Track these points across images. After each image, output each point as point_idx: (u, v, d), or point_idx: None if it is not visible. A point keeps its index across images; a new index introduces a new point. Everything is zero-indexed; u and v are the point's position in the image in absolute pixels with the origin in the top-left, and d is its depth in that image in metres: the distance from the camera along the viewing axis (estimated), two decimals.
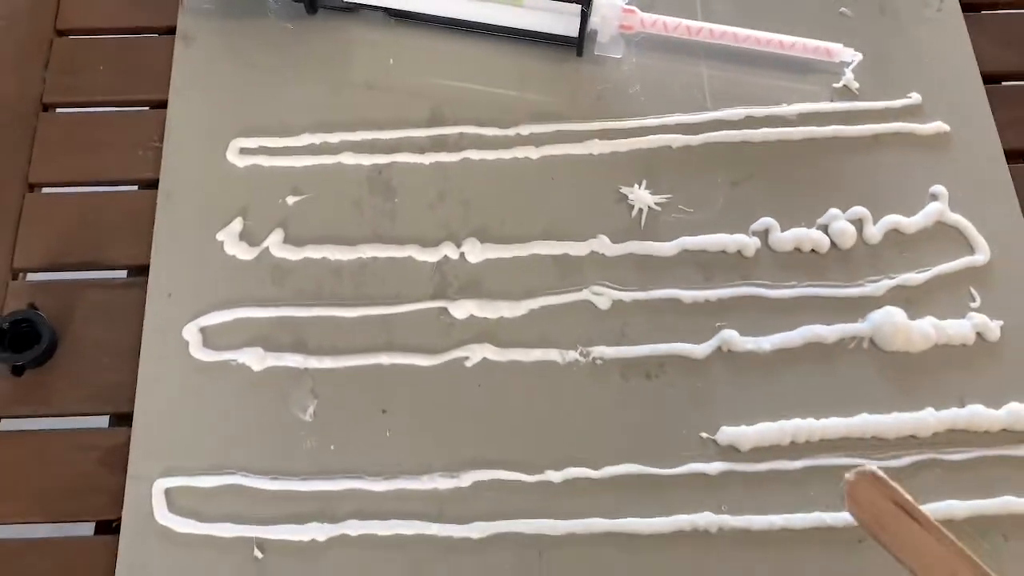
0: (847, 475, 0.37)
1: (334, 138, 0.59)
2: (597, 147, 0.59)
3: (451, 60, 0.62)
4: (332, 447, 0.51)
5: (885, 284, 0.55)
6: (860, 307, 0.54)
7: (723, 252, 0.56)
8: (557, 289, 0.55)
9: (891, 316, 0.53)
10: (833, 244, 0.56)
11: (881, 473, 0.36)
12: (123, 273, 0.57)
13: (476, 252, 0.56)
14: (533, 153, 0.59)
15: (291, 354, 0.53)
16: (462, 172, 0.58)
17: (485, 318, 0.54)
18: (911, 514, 0.35)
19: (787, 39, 0.59)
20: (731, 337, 0.53)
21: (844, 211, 0.56)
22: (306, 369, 0.53)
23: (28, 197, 0.58)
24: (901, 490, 0.36)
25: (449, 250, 0.56)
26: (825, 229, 0.56)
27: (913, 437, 0.51)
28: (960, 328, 0.53)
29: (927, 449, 0.51)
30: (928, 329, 0.53)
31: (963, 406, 0.52)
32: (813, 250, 0.56)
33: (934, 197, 0.57)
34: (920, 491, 0.39)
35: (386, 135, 0.59)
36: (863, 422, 0.51)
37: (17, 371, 0.52)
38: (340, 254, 0.56)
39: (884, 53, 0.61)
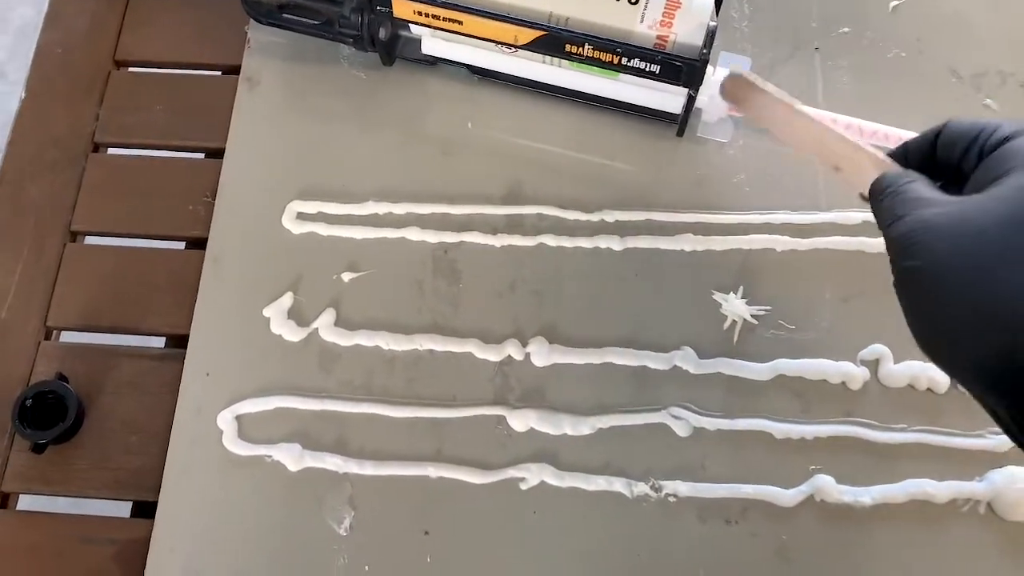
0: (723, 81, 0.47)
1: (400, 209, 0.53)
2: (690, 243, 0.52)
3: (535, 125, 0.56)
4: (367, 567, 0.46)
5: None
6: (979, 463, 0.47)
7: (825, 381, 0.49)
8: (631, 407, 0.49)
9: (1015, 479, 0.46)
10: (953, 384, 0.49)
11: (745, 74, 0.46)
12: (161, 341, 0.53)
13: (543, 354, 0.50)
14: (617, 244, 0.52)
15: (331, 455, 0.48)
16: (536, 259, 0.52)
17: (547, 433, 0.48)
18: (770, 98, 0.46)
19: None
20: (826, 485, 0.47)
21: None
22: (346, 474, 0.48)
23: (69, 247, 0.54)
24: (761, 83, 0.46)
25: (514, 349, 0.50)
26: None
27: None
28: None
29: None
30: None
31: None
32: (929, 389, 0.49)
33: None
34: None
35: (457, 210, 0.53)
36: None
37: (38, 449, 0.48)
38: (394, 343, 0.50)
39: None
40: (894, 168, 0.39)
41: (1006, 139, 0.35)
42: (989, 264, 0.31)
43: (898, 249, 0.34)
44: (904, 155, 0.40)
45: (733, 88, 0.45)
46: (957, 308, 0.32)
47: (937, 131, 0.38)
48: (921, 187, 0.36)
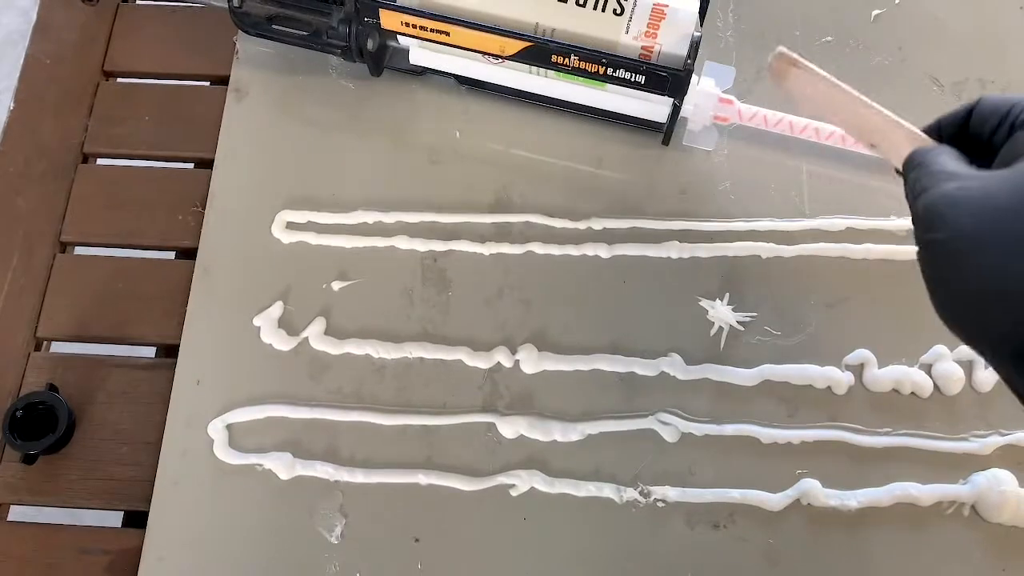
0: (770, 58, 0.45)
1: (389, 218, 0.54)
2: (676, 250, 0.53)
3: (522, 135, 0.56)
4: (358, 575, 0.46)
5: (994, 441, 0.48)
6: (963, 466, 0.48)
7: (810, 386, 0.50)
8: (619, 413, 0.49)
9: (998, 481, 0.47)
10: (937, 388, 0.49)
11: (787, 52, 0.45)
12: (151, 350, 0.53)
13: (532, 361, 0.50)
14: (604, 251, 0.53)
15: (322, 463, 0.48)
16: (525, 267, 0.53)
17: (536, 440, 0.49)
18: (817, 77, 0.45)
19: None
20: (812, 488, 0.47)
21: (952, 349, 0.50)
22: (336, 482, 0.48)
23: (58, 258, 0.54)
24: (804, 60, 0.45)
25: (503, 356, 0.51)
26: (928, 369, 0.50)
27: None
28: None
29: None
30: None
31: None
32: (913, 393, 0.49)
33: None
34: None
35: (445, 218, 0.54)
36: None
37: (29, 460, 0.48)
38: (384, 351, 0.51)
39: None
40: (927, 143, 0.39)
41: None
42: (1012, 238, 0.31)
43: (922, 221, 0.34)
44: (938, 129, 0.40)
45: (779, 64, 0.46)
46: (979, 282, 0.32)
47: (971, 107, 0.39)
48: (948, 160, 0.36)
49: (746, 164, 0.55)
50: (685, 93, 0.50)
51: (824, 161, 0.54)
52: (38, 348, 0.52)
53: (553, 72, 0.51)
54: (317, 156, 0.56)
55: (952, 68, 0.57)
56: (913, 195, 0.36)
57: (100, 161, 0.58)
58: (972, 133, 0.38)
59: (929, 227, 0.34)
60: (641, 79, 0.49)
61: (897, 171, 0.40)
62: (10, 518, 0.49)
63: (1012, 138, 0.36)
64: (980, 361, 0.49)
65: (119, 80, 0.59)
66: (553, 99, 0.55)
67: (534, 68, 0.52)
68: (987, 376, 0.49)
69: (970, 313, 0.33)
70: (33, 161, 0.56)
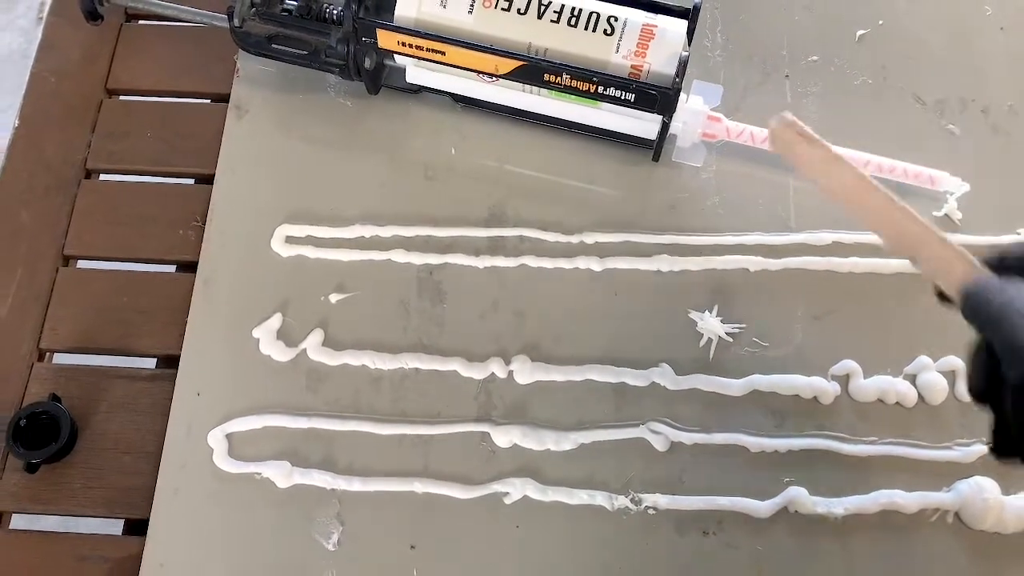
0: (770, 122, 0.42)
1: (386, 232, 0.55)
2: (666, 263, 0.54)
3: (516, 152, 0.57)
4: None
5: (977, 450, 0.49)
6: (947, 474, 0.49)
7: (797, 396, 0.51)
8: (611, 422, 0.50)
9: (982, 489, 0.48)
10: (921, 398, 0.51)
11: (793, 118, 0.42)
12: (152, 362, 0.54)
13: (526, 372, 0.51)
14: (596, 264, 0.54)
15: (319, 472, 0.49)
16: (518, 280, 0.54)
17: (530, 449, 0.50)
18: (815, 144, 0.42)
19: (887, 163, 0.54)
20: (799, 496, 0.48)
21: (935, 361, 0.51)
22: (334, 490, 0.49)
23: (62, 271, 0.55)
24: (807, 128, 0.42)
25: (497, 367, 0.52)
26: (913, 380, 0.51)
27: None
28: None
29: None
30: None
31: None
32: (898, 403, 0.51)
33: None
34: None
35: (441, 232, 0.55)
36: None
37: (31, 468, 0.49)
38: (381, 362, 0.52)
39: (993, 179, 0.56)
40: (984, 270, 0.37)
41: None
42: None
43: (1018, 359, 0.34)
44: (999, 261, 0.38)
45: (782, 133, 0.41)
46: None
47: None
48: None
49: (734, 180, 0.56)
50: (674, 111, 0.51)
51: None
52: (41, 359, 0.53)
53: (546, 90, 0.53)
54: (316, 172, 0.57)
55: (934, 86, 0.59)
56: (998, 331, 0.35)
57: (103, 177, 0.59)
58: None
59: None
60: (631, 97, 0.51)
61: (939, 293, 0.39)
62: (12, 526, 0.50)
63: None
64: (963, 371, 0.51)
65: (121, 98, 0.61)
66: (546, 117, 0.56)
67: (528, 87, 0.53)
68: None
69: None
70: (37, 176, 0.57)
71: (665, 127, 0.52)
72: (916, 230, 0.39)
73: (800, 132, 0.41)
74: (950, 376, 0.51)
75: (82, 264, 0.56)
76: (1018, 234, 0.54)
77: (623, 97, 0.51)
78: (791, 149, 0.42)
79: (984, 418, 0.49)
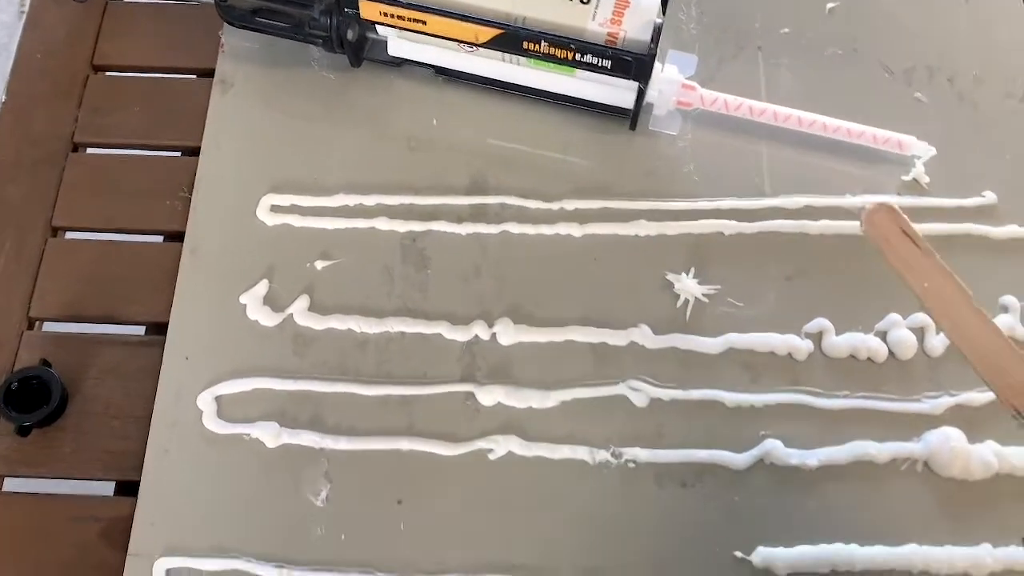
0: (867, 205, 0.41)
1: (370, 200, 0.56)
2: (644, 228, 0.55)
3: (497, 123, 0.59)
4: (343, 536, 0.48)
5: (945, 402, 0.51)
6: (916, 425, 0.51)
7: (772, 354, 0.52)
8: (592, 381, 0.52)
9: (949, 439, 0.50)
10: (891, 353, 0.52)
11: (896, 206, 0.40)
12: (141, 329, 0.55)
13: (509, 334, 0.53)
14: (576, 230, 0.55)
15: (307, 432, 0.50)
16: (500, 246, 0.55)
17: (513, 407, 0.51)
18: (914, 241, 0.40)
19: (856, 127, 0.56)
20: (775, 448, 0.50)
21: (905, 318, 0.53)
22: (322, 449, 0.50)
23: (50, 242, 0.56)
24: (909, 221, 0.40)
25: (480, 329, 0.53)
26: (883, 336, 0.53)
27: (967, 575, 0.47)
28: None
29: None
30: (989, 456, 0.49)
31: None
32: (869, 358, 0.52)
33: (1005, 309, 0.53)
34: None
35: (424, 200, 0.56)
36: (911, 553, 0.48)
37: (23, 431, 0.50)
38: (366, 326, 0.53)
39: (959, 145, 0.58)
40: None
41: None
42: None
43: None
44: None
45: (879, 222, 0.40)
46: None
47: None
48: None
49: (709, 147, 0.58)
50: (649, 77, 0.53)
51: (783, 143, 0.57)
52: (31, 328, 0.54)
53: (525, 59, 0.54)
54: (300, 143, 0.58)
55: (902, 56, 0.61)
56: None
57: (90, 151, 0.60)
58: None
59: None
60: (607, 64, 0.52)
61: (1017, 413, 0.39)
62: (4, 489, 0.51)
63: None
64: (932, 327, 0.52)
65: (107, 74, 0.62)
66: (526, 88, 0.58)
67: (507, 56, 0.55)
68: (938, 342, 0.52)
69: None
70: (24, 151, 0.58)
71: (641, 94, 0.54)
72: (1005, 353, 0.39)
73: (902, 225, 0.40)
74: (919, 333, 0.52)
75: (70, 236, 0.57)
76: (983, 196, 0.56)
77: (600, 64, 0.52)
78: (886, 239, 0.41)
79: (951, 370, 0.52)
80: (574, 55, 0.52)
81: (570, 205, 0.56)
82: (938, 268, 0.40)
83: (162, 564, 0.47)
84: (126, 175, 0.58)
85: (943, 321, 0.40)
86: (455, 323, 0.53)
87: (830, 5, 0.62)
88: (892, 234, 0.41)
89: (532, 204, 0.56)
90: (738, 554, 0.48)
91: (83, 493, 0.50)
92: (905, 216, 0.39)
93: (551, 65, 0.54)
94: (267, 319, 0.53)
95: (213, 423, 0.51)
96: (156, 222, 0.56)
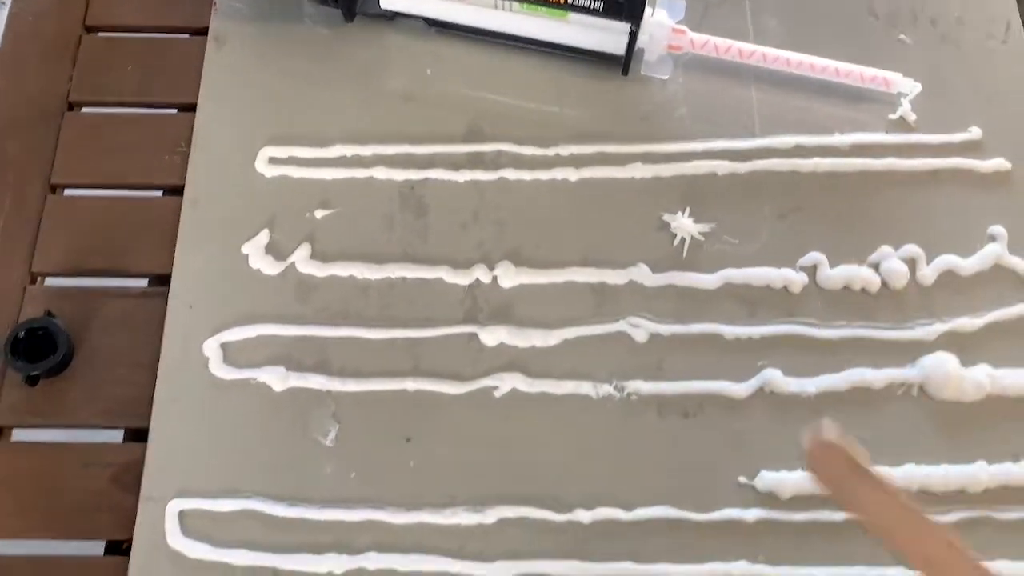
0: (807, 436, 0.36)
1: (367, 151, 0.57)
2: (639, 171, 0.56)
3: (491, 73, 0.59)
4: (353, 475, 0.49)
5: (937, 328, 0.52)
6: (910, 351, 0.52)
7: (768, 287, 0.53)
8: (592, 319, 0.53)
9: (943, 363, 0.51)
10: (884, 284, 0.53)
11: (838, 439, 0.35)
12: (144, 281, 0.55)
13: (509, 276, 0.53)
14: (572, 175, 0.56)
15: (314, 375, 0.51)
16: (498, 191, 0.56)
17: (516, 346, 0.52)
18: (868, 480, 0.34)
19: (843, 67, 0.57)
20: (774, 378, 0.51)
21: (896, 249, 0.54)
22: (329, 392, 0.51)
23: (50, 199, 0.56)
24: (858, 457, 0.35)
25: (481, 273, 0.54)
26: (876, 267, 0.54)
27: (963, 492, 0.49)
28: (1016, 379, 0.51)
29: (977, 506, 0.48)
30: (982, 378, 0.50)
31: (1017, 461, 0.49)
32: (863, 289, 0.53)
33: (992, 238, 0.54)
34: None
35: (420, 150, 0.57)
36: (909, 473, 0.49)
37: (31, 381, 0.50)
38: (368, 272, 0.54)
39: (943, 84, 0.59)
40: None
41: None
42: None
43: None
44: None
45: (823, 458, 0.34)
46: None
47: None
48: None
49: (701, 91, 0.59)
50: (640, 17, 0.53)
51: (772, 85, 0.58)
52: (33, 283, 0.54)
53: (517, 5, 0.55)
54: (295, 97, 0.58)
55: (887, 1, 0.62)
56: None
57: (85, 110, 0.60)
58: None
59: None
60: (600, 5, 0.53)
61: None
62: (14, 439, 0.51)
63: None
64: (923, 257, 0.54)
65: (101, 35, 0.62)
66: (518, 37, 0.58)
67: (499, 4, 0.55)
68: (929, 271, 0.53)
69: None
70: (20, 109, 0.58)
71: (633, 37, 0.55)
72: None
73: (847, 459, 0.34)
74: (911, 263, 0.54)
75: (69, 192, 0.57)
76: (969, 132, 0.57)
77: (592, 6, 0.53)
78: (835, 481, 0.34)
79: (942, 298, 0.53)
80: None
81: (565, 150, 0.57)
82: (921, 520, 0.34)
83: (175, 505, 0.48)
84: (123, 132, 0.58)
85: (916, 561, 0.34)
86: (456, 267, 0.54)
87: None
88: (842, 474, 0.34)
89: (528, 150, 0.57)
90: (742, 479, 0.49)
91: (93, 441, 0.51)
92: (850, 450, 0.34)
93: (544, 9, 0.55)
94: (269, 268, 0.54)
95: (220, 369, 0.51)
96: (155, 177, 0.57)
